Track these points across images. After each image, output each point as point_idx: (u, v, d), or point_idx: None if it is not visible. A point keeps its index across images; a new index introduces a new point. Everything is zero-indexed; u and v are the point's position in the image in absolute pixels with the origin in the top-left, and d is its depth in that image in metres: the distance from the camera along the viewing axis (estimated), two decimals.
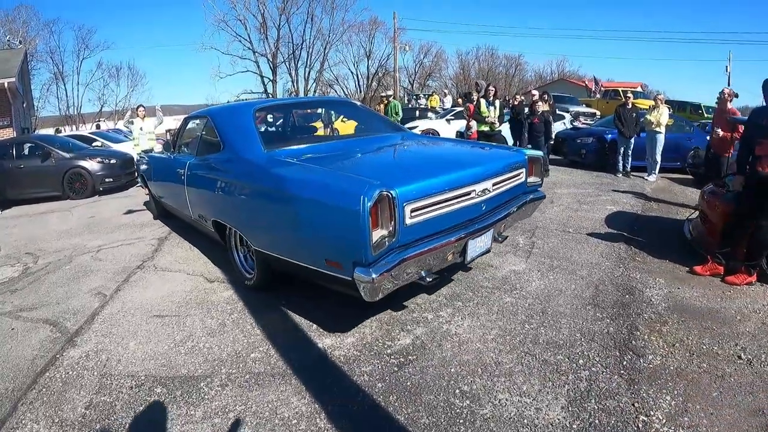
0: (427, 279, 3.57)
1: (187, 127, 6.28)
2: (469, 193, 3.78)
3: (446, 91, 34.95)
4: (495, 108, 10.67)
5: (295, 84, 49.84)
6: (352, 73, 56.44)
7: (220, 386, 3.18)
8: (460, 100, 13.60)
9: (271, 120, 8.54)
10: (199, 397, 3.08)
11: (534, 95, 11.86)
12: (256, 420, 2.85)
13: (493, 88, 11.07)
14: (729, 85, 31.32)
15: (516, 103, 12.55)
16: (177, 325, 4.08)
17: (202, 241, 6.08)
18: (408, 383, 3.19)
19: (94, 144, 16.58)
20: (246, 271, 4.75)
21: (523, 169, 4.64)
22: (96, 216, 9.17)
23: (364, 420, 2.85)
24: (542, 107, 11.24)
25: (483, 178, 3.93)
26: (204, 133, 5.41)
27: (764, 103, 4.86)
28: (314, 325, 3.93)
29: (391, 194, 3.13)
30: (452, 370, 3.34)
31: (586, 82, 34.18)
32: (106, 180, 11.93)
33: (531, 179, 4.81)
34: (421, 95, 33.23)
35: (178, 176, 5.63)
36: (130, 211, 9.08)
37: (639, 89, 31.95)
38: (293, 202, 3.55)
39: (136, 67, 62.29)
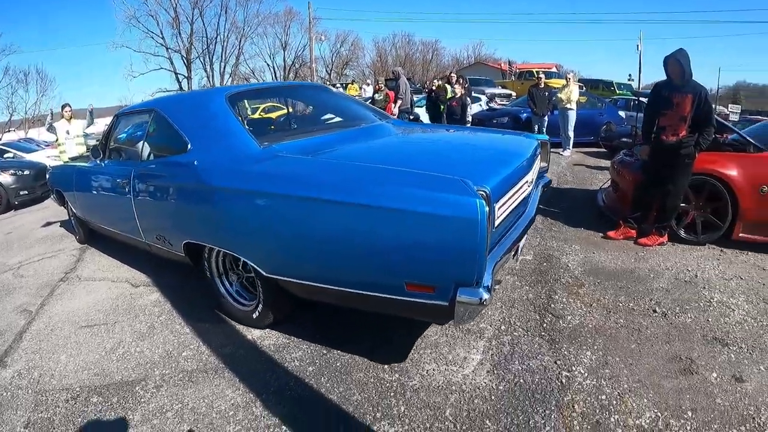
0: (495, 287, 2.95)
1: (121, 127, 5.37)
2: (525, 183, 3.55)
3: (369, 80, 35.15)
4: (451, 91, 11.58)
5: (210, 79, 49.14)
6: (268, 65, 56.36)
7: (155, 388, 3.17)
8: (379, 86, 13.75)
9: (246, 108, 7.17)
10: (136, 401, 3.06)
11: (451, 78, 12.53)
12: (194, 416, 2.87)
13: (455, 75, 12.15)
14: (640, 62, 33.42)
15: (434, 87, 13.20)
16: (106, 333, 3.99)
17: (124, 247, 5.87)
18: (338, 364, 3.27)
19: (5, 155, 15.58)
20: (241, 305, 3.88)
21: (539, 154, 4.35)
22: (13, 232, 8.70)
23: (299, 403, 2.93)
24: (459, 91, 11.70)
25: (530, 166, 3.72)
26: (152, 131, 4.45)
27: (666, 78, 5.25)
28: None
29: (487, 192, 2.59)
30: (380, 349, 3.44)
31: (501, 65, 35.39)
32: (21, 193, 11.27)
33: (542, 164, 4.58)
34: (338, 84, 33.29)
35: (118, 189, 4.57)
36: (48, 223, 8.64)
37: (554, 70, 33.42)
38: (350, 214, 2.77)
39: (45, 72, 58.67)
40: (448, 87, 11.75)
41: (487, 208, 2.43)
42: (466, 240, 2.46)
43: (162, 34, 46.15)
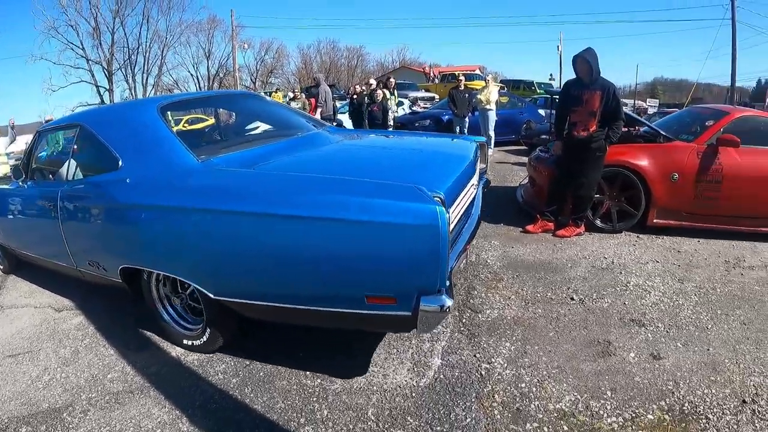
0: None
1: (44, 145, 5.01)
2: (471, 186, 3.56)
3: (295, 88, 34.96)
4: (395, 97, 11.84)
5: (132, 91, 47.77)
6: (192, 75, 55.38)
7: (82, 413, 3.01)
8: (296, 94, 13.70)
9: (178, 120, 6.44)
10: (64, 428, 2.90)
11: (372, 84, 12.50)
12: None
13: (393, 80, 12.46)
14: (561, 62, 34.85)
15: (357, 92, 13.14)
16: (31, 361, 3.76)
17: (46, 271, 5.50)
18: (261, 374, 3.19)
19: None
20: (185, 329, 3.61)
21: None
22: None
23: (224, 416, 2.84)
24: (381, 95, 11.78)
25: (474, 168, 3.74)
26: (78, 147, 4.12)
27: (575, 76, 5.39)
28: (164, 337, 3.76)
29: (441, 197, 2.55)
30: (300, 354, 3.36)
31: (425, 69, 36.00)
32: None
33: (482, 165, 4.51)
34: (262, 92, 32.93)
35: (44, 212, 4.17)
36: None
37: (477, 72, 34.19)
38: (302, 229, 2.64)
39: None
40: (387, 93, 11.80)
41: (446, 215, 2.38)
42: (427, 248, 2.40)
43: (82, 45, 44.84)
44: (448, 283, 2.53)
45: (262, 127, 4.79)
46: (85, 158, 4.08)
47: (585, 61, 5.09)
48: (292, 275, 2.76)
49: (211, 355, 3.43)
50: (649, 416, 2.67)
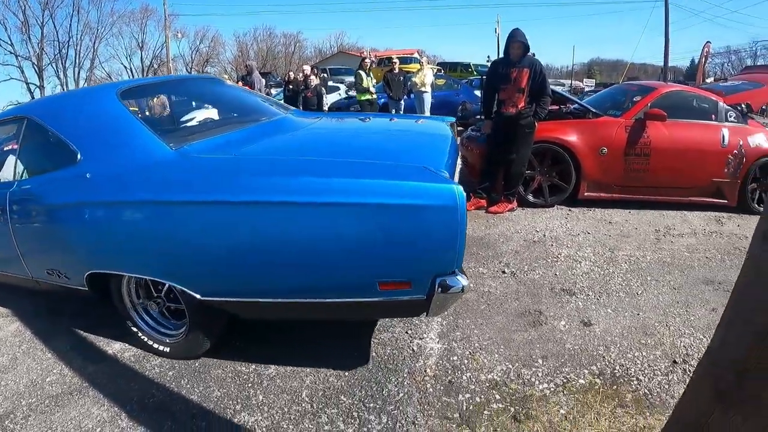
0: None
1: None
2: (458, 165, 3.43)
3: (226, 75, 34.28)
4: (371, 78, 11.56)
5: (64, 87, 45.81)
6: (125, 67, 53.75)
7: (23, 419, 2.93)
8: (240, 83, 13.59)
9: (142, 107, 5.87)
10: None
11: (305, 70, 12.31)
12: None
13: (368, 60, 12.09)
14: (498, 44, 35.60)
15: (291, 79, 13.22)
16: None
17: None
18: (196, 364, 3.13)
19: None
20: (166, 336, 3.31)
21: None
22: None
23: (162, 408, 2.79)
24: (314, 81, 11.71)
25: (456, 147, 3.55)
26: (26, 143, 3.64)
27: (504, 55, 5.51)
28: (101, 336, 3.67)
29: (448, 177, 2.48)
30: (237, 344, 3.31)
31: (362, 53, 36.07)
32: None
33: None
34: None
35: None
36: None
37: (415, 55, 34.46)
38: (310, 215, 2.47)
39: None
40: (362, 73, 11.62)
41: (464, 193, 2.28)
42: (446, 228, 2.29)
43: (10, 40, 43.29)
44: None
45: (224, 112, 4.54)
46: (35, 154, 3.68)
47: (522, 44, 5.23)
48: (298, 267, 2.57)
49: (146, 351, 3.34)
50: (581, 381, 2.70)
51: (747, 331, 1.15)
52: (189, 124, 4.67)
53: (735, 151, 5.76)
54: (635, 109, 5.76)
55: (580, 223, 5.11)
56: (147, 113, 4.73)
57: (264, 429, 2.54)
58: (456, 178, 2.85)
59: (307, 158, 2.89)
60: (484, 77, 8.95)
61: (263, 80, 12.23)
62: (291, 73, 14.20)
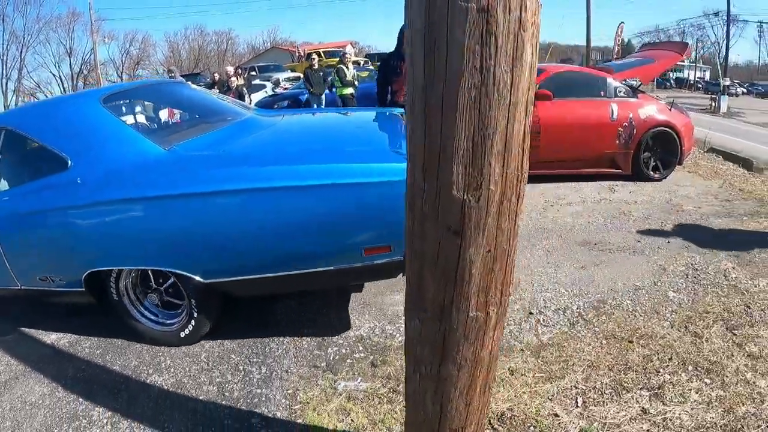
0: None
1: None
2: None
3: (170, 75, 34.02)
4: (353, 71, 11.72)
5: None
6: (54, 75, 51.71)
7: None
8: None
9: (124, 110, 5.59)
10: None
11: (228, 71, 12.73)
12: (12, 413, 3.06)
13: (349, 54, 12.18)
14: None
15: (216, 80, 13.70)
16: None
17: None
18: (119, 342, 3.60)
19: None
20: (165, 325, 3.53)
21: None
22: None
23: (91, 380, 3.24)
24: (236, 82, 12.11)
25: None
26: (4, 154, 3.72)
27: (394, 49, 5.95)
28: (41, 329, 4.01)
29: None
30: None
31: (292, 48, 35.98)
32: None
33: None
34: None
35: None
36: None
37: (348, 48, 34.59)
38: (300, 197, 2.89)
39: None
40: (343, 67, 11.68)
41: None
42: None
43: None
44: None
45: (197, 114, 4.84)
46: (17, 165, 3.85)
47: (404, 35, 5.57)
48: (293, 243, 2.97)
49: (78, 336, 3.75)
50: None
51: None
52: (165, 125, 5.15)
53: (625, 124, 6.41)
54: None
55: None
56: (129, 117, 4.92)
57: (169, 385, 3.06)
58: None
59: (289, 149, 3.37)
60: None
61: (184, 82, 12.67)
62: (216, 74, 14.58)
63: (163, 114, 5.53)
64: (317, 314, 3.66)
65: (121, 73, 54.93)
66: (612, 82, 6.71)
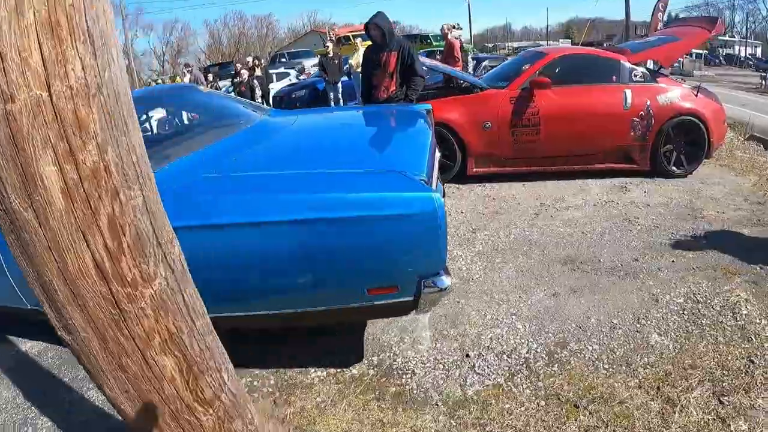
0: None
1: None
2: (436, 159, 3.54)
3: (186, 69, 33.82)
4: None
5: None
6: None
7: None
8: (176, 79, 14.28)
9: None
10: None
11: (249, 62, 13.01)
12: None
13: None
14: (470, 13, 35.31)
15: (237, 71, 13.83)
16: None
17: None
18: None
19: None
20: None
21: None
22: None
23: (52, 386, 3.24)
24: (246, 75, 12.10)
25: (434, 140, 3.64)
26: None
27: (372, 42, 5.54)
28: (19, 336, 3.94)
29: (426, 180, 2.63)
30: None
31: (326, 31, 36.00)
32: None
33: None
34: (157, 79, 31.83)
35: None
36: None
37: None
38: (300, 233, 2.57)
39: None
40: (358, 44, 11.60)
41: (442, 199, 2.42)
42: (427, 234, 2.44)
43: None
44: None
45: (203, 119, 4.65)
46: None
47: (377, 27, 5.22)
48: (289, 281, 2.70)
49: (47, 345, 3.67)
50: (353, 371, 2.88)
51: None
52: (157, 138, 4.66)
53: (641, 113, 5.66)
54: (521, 79, 5.76)
55: (463, 201, 5.16)
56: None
57: None
58: (434, 176, 3.08)
59: (288, 172, 3.00)
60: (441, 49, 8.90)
61: (201, 76, 12.80)
62: (238, 65, 14.74)
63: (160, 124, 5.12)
64: None
65: (163, 62, 56.56)
66: (626, 65, 5.89)
